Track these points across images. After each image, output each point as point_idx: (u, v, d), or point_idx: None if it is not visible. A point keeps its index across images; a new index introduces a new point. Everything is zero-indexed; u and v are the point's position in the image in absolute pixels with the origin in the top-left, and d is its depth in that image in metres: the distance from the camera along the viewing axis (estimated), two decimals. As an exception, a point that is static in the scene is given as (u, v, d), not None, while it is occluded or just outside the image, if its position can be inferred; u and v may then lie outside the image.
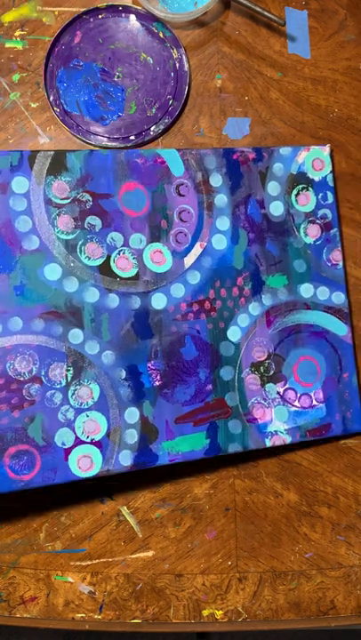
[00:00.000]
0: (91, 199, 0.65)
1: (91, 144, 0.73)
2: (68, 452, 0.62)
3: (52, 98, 0.73)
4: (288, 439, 0.68)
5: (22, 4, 0.77)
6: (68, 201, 0.65)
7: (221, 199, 0.69)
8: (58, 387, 0.63)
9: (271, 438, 0.68)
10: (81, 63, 0.74)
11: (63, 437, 0.62)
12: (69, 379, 0.63)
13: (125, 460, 0.64)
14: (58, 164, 0.65)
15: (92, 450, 0.63)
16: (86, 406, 0.63)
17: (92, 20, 0.75)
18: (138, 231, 0.66)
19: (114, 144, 0.73)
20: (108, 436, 0.63)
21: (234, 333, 0.68)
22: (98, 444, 0.63)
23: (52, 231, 0.64)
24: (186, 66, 0.75)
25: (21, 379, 0.62)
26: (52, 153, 0.65)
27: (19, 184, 0.64)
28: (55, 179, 0.65)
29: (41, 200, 0.64)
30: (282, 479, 0.71)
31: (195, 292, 0.67)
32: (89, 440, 0.63)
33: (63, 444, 0.62)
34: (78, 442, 0.63)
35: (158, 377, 0.65)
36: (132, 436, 0.64)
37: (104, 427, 0.63)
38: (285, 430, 0.68)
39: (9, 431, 0.61)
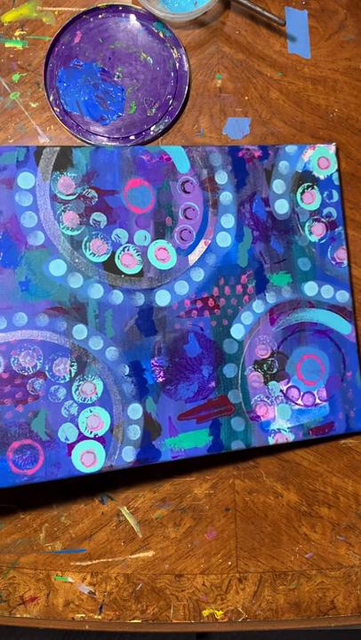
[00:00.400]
0: (96, 195, 0.66)
1: (91, 144, 0.74)
2: (71, 447, 0.63)
3: (51, 98, 0.74)
4: (291, 437, 0.69)
5: (22, 4, 0.77)
6: (74, 197, 0.66)
7: (226, 197, 0.70)
8: (62, 382, 0.63)
9: (274, 436, 0.68)
10: (81, 63, 0.75)
11: (66, 432, 0.63)
12: (73, 374, 0.64)
13: (128, 455, 0.64)
14: (64, 159, 0.66)
15: (96, 445, 0.64)
16: (90, 402, 0.64)
17: (92, 19, 0.75)
18: (143, 228, 0.67)
19: (114, 144, 0.74)
20: (112, 432, 0.64)
21: (237, 331, 0.69)
22: (101, 439, 0.64)
23: (57, 227, 0.65)
24: (186, 65, 0.75)
25: (25, 373, 0.63)
26: (58, 149, 0.66)
27: (25, 179, 0.65)
28: (61, 174, 0.66)
29: (47, 196, 0.65)
30: (282, 479, 0.71)
31: (198, 290, 0.68)
32: (92, 435, 0.64)
33: (66, 439, 0.63)
34: (82, 437, 0.63)
35: (162, 373, 0.66)
36: (135, 432, 0.65)
37: (107, 422, 0.64)
38: (288, 428, 0.69)
39: (13, 426, 0.62)
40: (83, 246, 0.66)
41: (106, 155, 0.67)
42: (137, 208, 0.67)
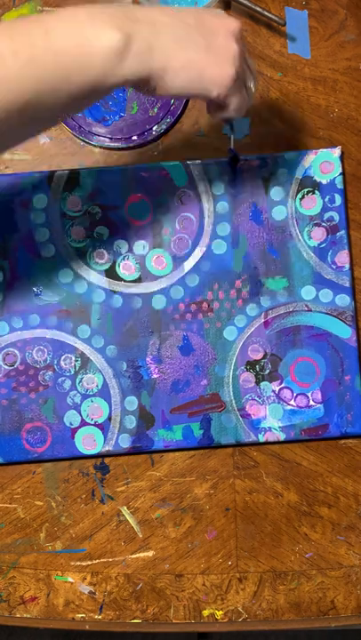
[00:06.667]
0: (100, 211, 0.76)
1: (93, 144, 0.78)
2: (74, 431, 0.74)
3: (53, 99, 0.78)
4: (282, 436, 0.74)
5: (22, 4, 0.80)
6: (80, 213, 0.76)
7: (223, 206, 0.77)
8: (67, 374, 0.75)
9: (264, 434, 0.74)
10: (82, 64, 0.78)
11: (71, 418, 0.74)
12: (77, 368, 0.75)
13: (124, 442, 0.74)
14: (72, 181, 0.76)
15: (95, 431, 0.74)
16: (91, 393, 0.75)
17: (92, 20, 0.79)
18: (141, 238, 0.76)
19: (116, 144, 0.78)
20: (110, 420, 0.74)
21: (230, 333, 0.76)
22: (100, 426, 0.74)
23: (65, 240, 0.76)
24: (187, 65, 0.78)
25: (37, 366, 0.75)
26: (68, 172, 0.76)
27: (38, 200, 0.76)
28: (70, 194, 0.76)
29: (57, 214, 0.76)
30: (282, 479, 0.75)
31: (193, 294, 0.76)
32: (92, 422, 0.74)
33: (71, 424, 0.74)
34: (83, 423, 0.74)
35: (156, 370, 0.75)
36: (131, 422, 0.74)
37: (106, 411, 0.74)
38: (280, 427, 0.74)
39: (26, 410, 0.74)
40: (87, 256, 0.76)
41: (109, 174, 0.77)
42: (136, 220, 0.76)
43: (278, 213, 0.76)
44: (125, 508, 0.74)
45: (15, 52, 0.50)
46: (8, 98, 0.51)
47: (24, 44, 0.51)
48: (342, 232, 0.76)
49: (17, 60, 0.50)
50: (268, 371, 0.75)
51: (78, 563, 0.73)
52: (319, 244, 0.76)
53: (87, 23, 0.52)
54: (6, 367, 0.75)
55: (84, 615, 0.73)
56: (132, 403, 0.75)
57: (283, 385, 0.75)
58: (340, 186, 0.76)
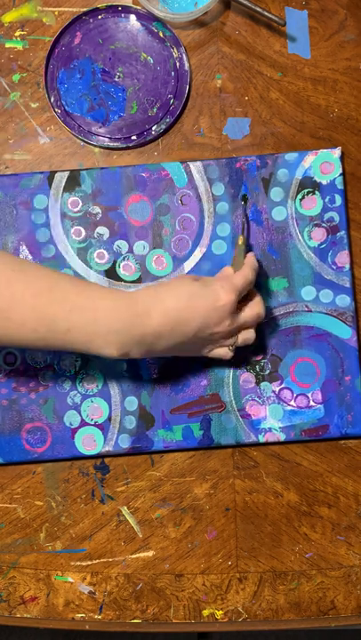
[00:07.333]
0: (100, 211, 0.76)
1: (92, 144, 0.78)
2: (74, 431, 0.74)
3: (52, 99, 0.78)
4: (282, 437, 0.74)
5: (22, 4, 0.80)
6: (81, 214, 0.76)
7: (223, 207, 0.77)
8: (68, 375, 0.75)
9: (264, 435, 0.74)
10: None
11: (71, 418, 0.75)
12: (78, 368, 0.75)
13: (124, 442, 0.74)
14: (72, 181, 0.76)
15: (95, 431, 0.74)
16: (91, 393, 0.75)
17: (91, 20, 0.79)
18: (141, 239, 0.76)
19: (115, 144, 0.78)
20: (110, 421, 0.75)
21: None
22: (100, 426, 0.74)
23: (66, 241, 0.76)
24: (186, 65, 0.78)
25: (38, 366, 0.75)
26: (68, 172, 0.76)
27: (39, 201, 0.76)
28: (70, 195, 0.76)
29: (58, 214, 0.76)
30: (282, 479, 0.75)
31: None
32: (92, 422, 0.75)
33: (71, 424, 0.74)
34: (83, 423, 0.74)
35: (156, 371, 0.75)
36: (131, 422, 0.75)
37: (106, 412, 0.75)
38: (280, 428, 0.74)
39: (26, 410, 0.74)
40: (88, 257, 0.76)
41: (109, 174, 0.77)
42: (137, 221, 0.76)
43: (278, 214, 0.77)
44: (125, 508, 0.74)
45: (35, 330, 0.63)
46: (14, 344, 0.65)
47: (48, 329, 0.63)
48: (342, 232, 0.76)
49: (36, 334, 0.63)
50: (268, 371, 0.75)
51: (78, 563, 0.74)
52: (319, 245, 0.76)
53: (100, 333, 0.64)
54: (6, 367, 0.75)
55: (83, 615, 0.73)
56: (132, 403, 0.75)
57: (283, 385, 0.75)
58: (340, 186, 0.77)
